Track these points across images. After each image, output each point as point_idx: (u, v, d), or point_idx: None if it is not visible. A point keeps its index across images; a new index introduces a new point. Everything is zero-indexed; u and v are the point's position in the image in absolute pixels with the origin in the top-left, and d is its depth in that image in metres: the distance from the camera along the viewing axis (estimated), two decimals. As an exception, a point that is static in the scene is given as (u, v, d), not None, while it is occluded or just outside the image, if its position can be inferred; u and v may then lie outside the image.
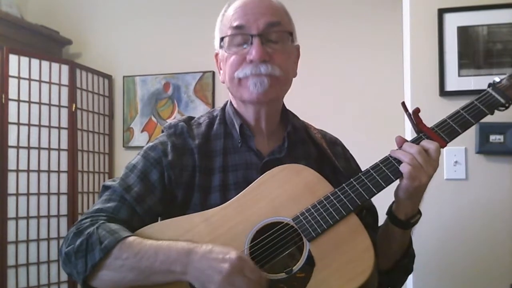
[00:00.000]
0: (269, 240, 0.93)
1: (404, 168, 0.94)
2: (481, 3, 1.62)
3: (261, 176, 1.01)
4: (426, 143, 0.96)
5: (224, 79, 1.11)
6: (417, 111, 1.01)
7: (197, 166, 1.06)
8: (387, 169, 0.97)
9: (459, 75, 1.62)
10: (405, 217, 1.00)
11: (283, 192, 0.98)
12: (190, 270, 0.86)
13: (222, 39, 1.08)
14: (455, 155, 1.60)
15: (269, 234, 0.94)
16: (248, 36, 1.03)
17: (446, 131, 0.99)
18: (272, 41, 1.05)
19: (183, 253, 0.87)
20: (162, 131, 1.13)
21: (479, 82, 1.59)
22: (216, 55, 1.14)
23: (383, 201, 1.07)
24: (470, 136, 1.58)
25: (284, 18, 1.09)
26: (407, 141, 1.00)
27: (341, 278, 0.87)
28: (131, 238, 0.92)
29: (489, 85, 1.04)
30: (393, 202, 1.03)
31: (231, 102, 1.15)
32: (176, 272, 0.87)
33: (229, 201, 1.00)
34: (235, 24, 1.04)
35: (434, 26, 1.64)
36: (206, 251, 0.86)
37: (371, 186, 0.95)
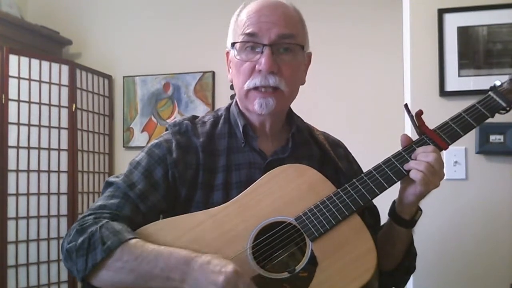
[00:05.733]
0: (271, 240, 0.93)
1: (421, 180, 0.94)
2: (481, 3, 1.62)
3: (264, 175, 1.01)
4: (431, 150, 0.96)
5: (232, 79, 1.12)
6: (419, 113, 1.01)
7: (201, 164, 1.06)
8: (390, 170, 0.97)
9: (459, 75, 1.62)
10: (410, 216, 1.02)
11: (286, 191, 0.98)
12: (188, 279, 0.86)
13: (233, 44, 1.08)
14: (455, 155, 1.60)
15: (271, 234, 0.94)
16: (259, 44, 1.03)
17: (448, 133, 1.00)
18: (283, 52, 1.04)
19: (182, 261, 0.87)
20: (167, 129, 1.13)
21: (479, 82, 1.59)
22: (227, 53, 1.13)
23: (385, 201, 1.07)
24: (470, 136, 1.56)
25: (297, 28, 1.07)
26: (412, 140, 1.00)
27: (345, 278, 0.87)
28: (134, 241, 0.91)
29: (491, 88, 1.05)
30: (393, 204, 1.04)
31: (236, 102, 1.15)
32: (175, 280, 0.87)
33: (232, 200, 0.99)
34: (247, 31, 1.04)
35: (434, 26, 1.64)
36: (205, 262, 0.86)
37: (373, 187, 0.96)
